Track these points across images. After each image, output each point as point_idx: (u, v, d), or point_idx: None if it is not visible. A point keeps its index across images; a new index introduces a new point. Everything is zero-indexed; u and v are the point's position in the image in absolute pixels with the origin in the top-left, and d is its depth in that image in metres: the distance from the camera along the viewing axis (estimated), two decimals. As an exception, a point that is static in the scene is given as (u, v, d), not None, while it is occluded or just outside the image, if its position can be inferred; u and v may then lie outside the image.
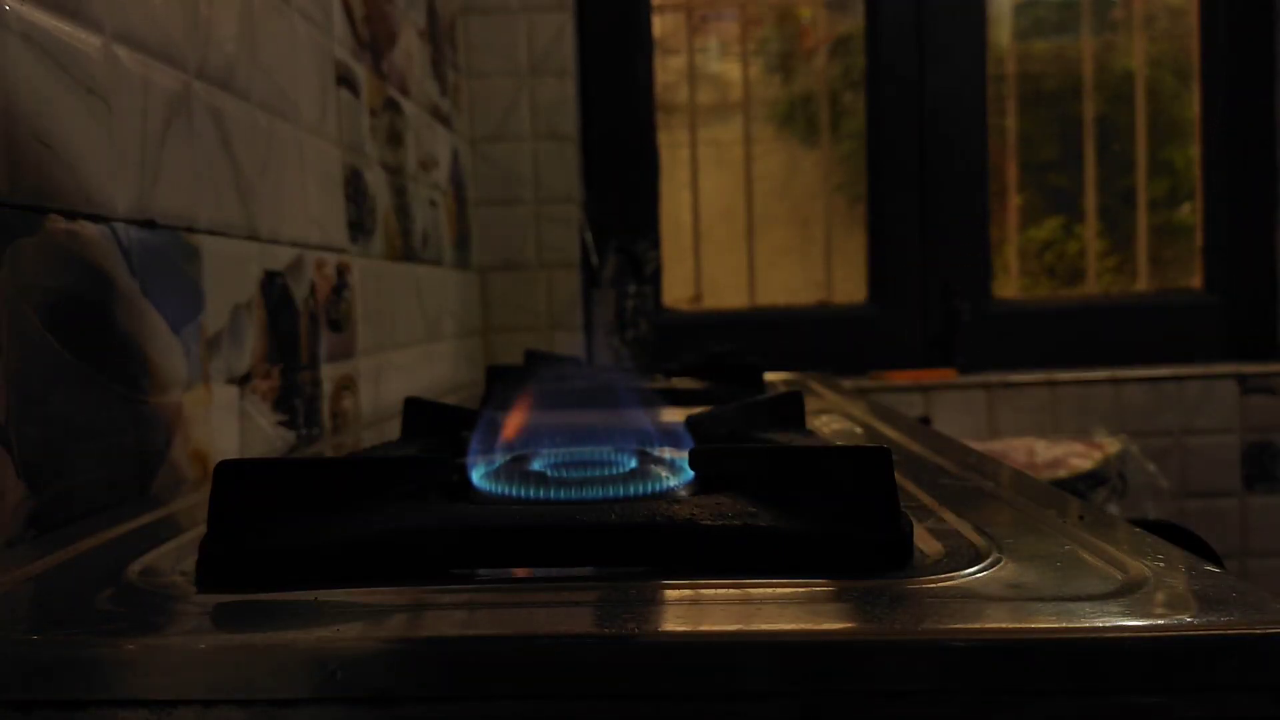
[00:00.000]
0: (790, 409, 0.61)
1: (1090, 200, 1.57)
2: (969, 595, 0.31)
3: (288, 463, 0.38)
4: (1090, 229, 1.57)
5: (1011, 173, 1.57)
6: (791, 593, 0.31)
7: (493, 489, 0.41)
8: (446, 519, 0.36)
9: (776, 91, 1.59)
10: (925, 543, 0.37)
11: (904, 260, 1.54)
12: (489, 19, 1.39)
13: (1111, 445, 1.32)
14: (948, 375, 1.47)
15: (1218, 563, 0.34)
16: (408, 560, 0.34)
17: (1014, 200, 1.58)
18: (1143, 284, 1.57)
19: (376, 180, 0.94)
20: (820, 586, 0.32)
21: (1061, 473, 1.27)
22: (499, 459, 0.45)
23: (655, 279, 1.52)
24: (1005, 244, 1.57)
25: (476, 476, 0.42)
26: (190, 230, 0.58)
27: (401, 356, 1.00)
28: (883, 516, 0.34)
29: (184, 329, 0.57)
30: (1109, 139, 1.56)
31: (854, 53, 1.56)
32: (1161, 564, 0.33)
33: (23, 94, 0.44)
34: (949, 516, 0.41)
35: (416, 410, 0.59)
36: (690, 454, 0.42)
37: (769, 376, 1.11)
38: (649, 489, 0.40)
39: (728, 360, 1.02)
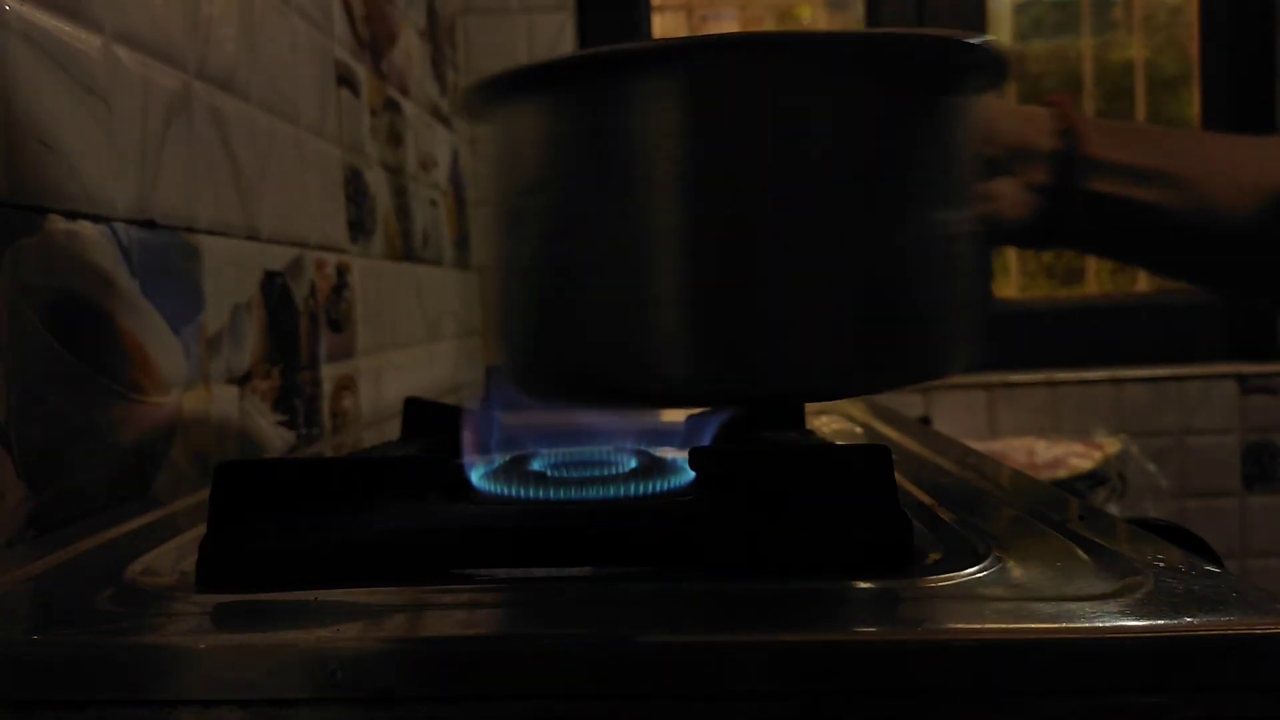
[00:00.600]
0: (790, 409, 0.61)
1: (1090, 200, 1.56)
2: (969, 595, 0.31)
3: (287, 463, 0.38)
4: (1090, 229, 1.57)
5: (1011, 173, 1.57)
6: (791, 593, 0.31)
7: (493, 489, 0.41)
8: (446, 519, 0.36)
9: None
10: (925, 543, 0.37)
11: (904, 260, 1.54)
12: (489, 19, 1.39)
13: (1111, 445, 1.32)
14: (948, 375, 1.47)
15: (1218, 563, 0.34)
16: (408, 560, 0.34)
17: (1014, 200, 1.57)
18: (1143, 284, 1.57)
19: (377, 180, 0.94)
20: (819, 587, 0.32)
21: (1061, 473, 1.27)
22: (498, 459, 0.45)
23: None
24: (1005, 244, 1.57)
25: (476, 476, 0.42)
26: (190, 230, 0.58)
27: (401, 356, 1.00)
28: (883, 516, 0.34)
29: (184, 329, 0.57)
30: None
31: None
32: (1161, 564, 0.33)
33: (23, 94, 0.44)
34: (948, 516, 0.41)
35: (416, 410, 0.59)
36: (690, 454, 0.42)
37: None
38: (649, 489, 0.40)
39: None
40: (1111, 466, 1.29)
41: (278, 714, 0.28)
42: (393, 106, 1.00)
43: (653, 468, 0.42)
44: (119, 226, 0.51)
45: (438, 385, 1.12)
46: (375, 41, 0.95)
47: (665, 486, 0.41)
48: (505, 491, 0.40)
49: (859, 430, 0.70)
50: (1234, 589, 0.30)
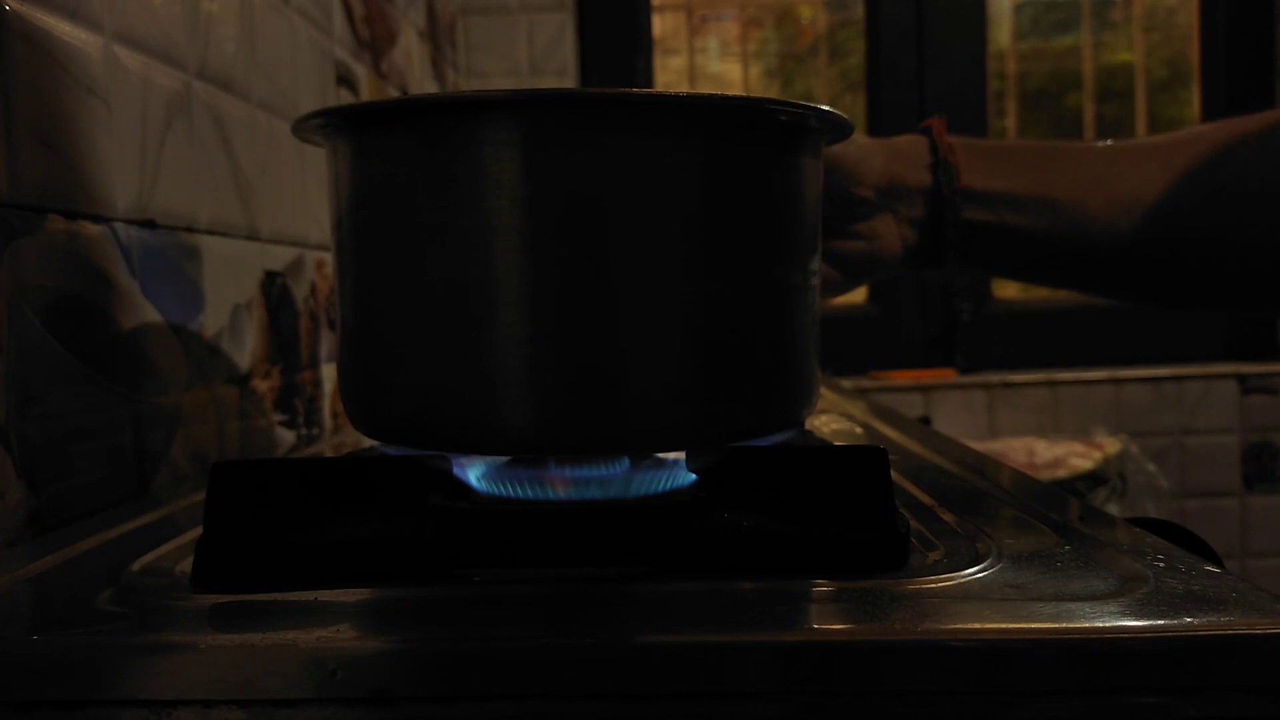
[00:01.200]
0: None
1: (1090, 200, 1.56)
2: (969, 595, 0.31)
3: (287, 463, 0.38)
4: (1090, 229, 1.57)
5: (1011, 173, 1.57)
6: (790, 593, 0.31)
7: (492, 489, 0.41)
8: (446, 519, 0.36)
9: (776, 92, 1.59)
10: (925, 543, 0.37)
11: (904, 260, 1.54)
12: (489, 19, 1.39)
13: (1111, 445, 1.32)
14: (948, 375, 1.47)
15: (1218, 563, 0.34)
16: (407, 560, 0.34)
17: (1014, 200, 1.57)
18: (1143, 284, 1.57)
19: (376, 180, 0.94)
20: (819, 587, 0.32)
21: (1061, 473, 1.27)
22: (498, 459, 0.45)
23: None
24: (1005, 244, 1.57)
25: (475, 477, 0.42)
26: (190, 230, 0.58)
27: (401, 356, 0.99)
28: (878, 517, 0.34)
29: (184, 329, 0.57)
30: (1108, 139, 1.56)
31: (853, 52, 1.56)
32: (1161, 564, 0.33)
33: (22, 94, 0.44)
34: (948, 516, 0.41)
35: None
36: (689, 454, 0.42)
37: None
38: (648, 489, 0.40)
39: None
40: (1111, 466, 1.29)
41: (277, 714, 0.28)
42: (393, 106, 1.00)
43: (652, 468, 0.42)
44: (119, 226, 0.51)
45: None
46: (375, 41, 0.95)
47: (664, 487, 0.41)
48: (504, 491, 0.40)
49: (858, 430, 0.70)
50: (1234, 589, 0.30)
